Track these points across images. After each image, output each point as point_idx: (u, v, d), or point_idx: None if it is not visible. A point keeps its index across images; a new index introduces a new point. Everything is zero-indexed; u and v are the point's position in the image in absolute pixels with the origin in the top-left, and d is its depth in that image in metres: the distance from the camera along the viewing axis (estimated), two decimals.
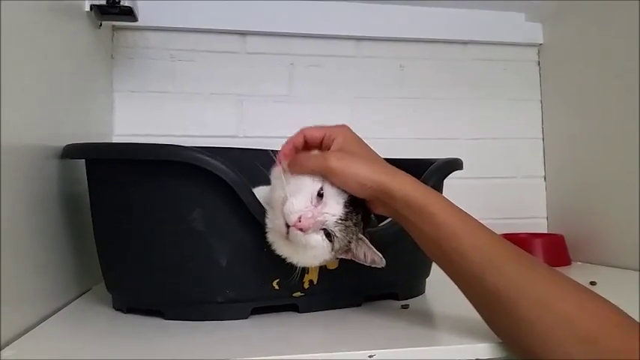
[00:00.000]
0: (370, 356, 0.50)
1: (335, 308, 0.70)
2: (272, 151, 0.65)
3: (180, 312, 0.65)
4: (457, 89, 1.31)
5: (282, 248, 0.62)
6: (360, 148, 0.62)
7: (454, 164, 0.76)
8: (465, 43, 1.32)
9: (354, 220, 0.60)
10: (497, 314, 0.51)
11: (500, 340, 0.53)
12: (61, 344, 0.57)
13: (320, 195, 0.59)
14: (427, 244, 0.57)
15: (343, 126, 0.64)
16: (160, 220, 0.63)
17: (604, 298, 0.49)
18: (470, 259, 0.52)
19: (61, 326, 0.64)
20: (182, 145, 0.61)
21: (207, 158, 0.60)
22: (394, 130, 1.26)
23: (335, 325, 0.64)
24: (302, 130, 0.64)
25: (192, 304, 0.65)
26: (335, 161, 0.58)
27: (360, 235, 0.61)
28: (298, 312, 0.68)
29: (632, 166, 1.02)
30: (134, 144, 0.64)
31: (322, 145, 0.63)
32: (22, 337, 0.57)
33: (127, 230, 0.65)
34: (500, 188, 1.31)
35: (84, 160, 0.71)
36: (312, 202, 0.58)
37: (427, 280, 0.81)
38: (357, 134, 0.64)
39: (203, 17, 1.18)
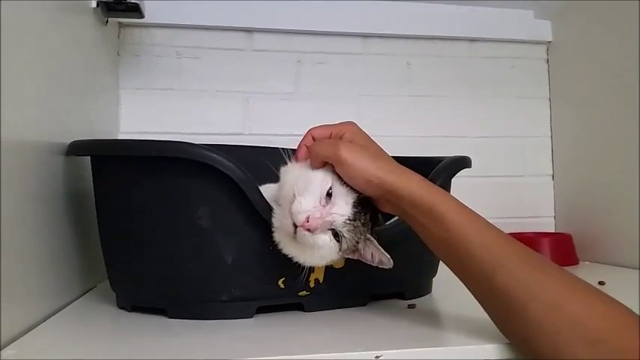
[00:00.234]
0: (377, 357, 0.49)
1: (341, 307, 0.69)
2: (282, 149, 0.64)
3: (184, 311, 0.64)
4: (464, 87, 1.30)
5: (288, 248, 0.61)
6: (368, 145, 0.61)
7: (463, 162, 0.75)
8: (472, 40, 1.31)
9: (362, 220, 0.59)
10: (506, 315, 0.51)
11: (509, 341, 0.52)
12: (64, 343, 0.56)
13: (329, 195, 0.58)
14: (435, 244, 0.56)
15: (350, 122, 0.63)
16: (165, 217, 0.63)
17: (613, 299, 0.48)
18: (479, 259, 0.52)
19: (64, 325, 0.63)
20: (188, 142, 0.61)
21: (214, 155, 0.59)
22: (400, 128, 1.25)
23: (341, 324, 0.63)
24: (309, 131, 0.63)
25: (197, 303, 0.64)
26: (346, 152, 0.57)
27: (368, 236, 0.60)
28: (303, 311, 0.68)
29: None
30: (140, 140, 0.64)
31: None
32: (25, 335, 0.56)
33: (131, 228, 0.65)
34: (507, 187, 1.30)
35: (89, 157, 0.70)
36: (320, 202, 0.58)
37: (434, 279, 0.81)
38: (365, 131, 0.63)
39: (209, 14, 1.17)
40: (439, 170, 0.72)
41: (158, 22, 1.16)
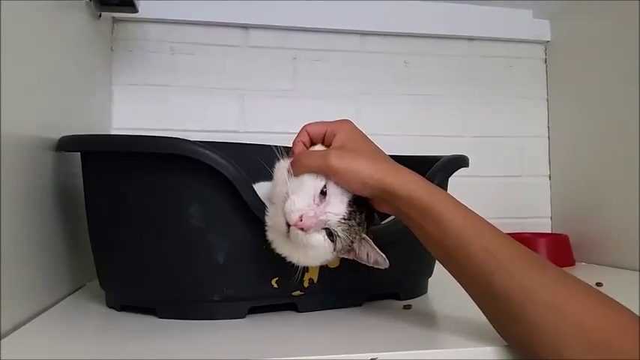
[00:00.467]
0: (373, 359, 0.48)
1: (335, 308, 0.68)
2: (275, 146, 0.63)
3: (175, 310, 0.63)
4: (462, 86, 1.30)
5: (282, 247, 0.60)
6: (362, 145, 0.60)
7: (460, 161, 0.74)
8: (470, 39, 1.31)
9: (357, 220, 0.58)
10: (505, 318, 0.49)
11: (507, 344, 0.51)
12: (50, 343, 0.54)
13: (323, 193, 0.57)
14: (433, 244, 0.55)
15: (346, 121, 0.62)
16: (156, 215, 0.62)
17: (614, 300, 0.47)
18: (478, 261, 0.50)
19: (51, 324, 0.61)
20: (180, 138, 0.60)
21: (207, 152, 0.58)
22: (397, 127, 1.24)
23: (335, 325, 0.62)
24: (304, 127, 0.62)
25: (188, 303, 0.63)
26: (335, 160, 0.56)
27: (364, 235, 0.59)
28: (297, 311, 0.66)
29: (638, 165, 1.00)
30: (131, 136, 0.63)
31: (324, 141, 0.61)
32: (9, 335, 0.55)
33: (121, 225, 0.64)
34: (504, 187, 1.29)
35: (79, 153, 0.69)
36: (314, 201, 0.56)
37: (429, 279, 0.80)
38: (361, 130, 0.62)
39: (204, 10, 1.16)
40: (436, 169, 0.71)
41: (152, 17, 1.14)
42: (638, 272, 0.99)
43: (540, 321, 0.46)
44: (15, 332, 0.56)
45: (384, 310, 0.68)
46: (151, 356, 0.50)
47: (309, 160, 0.58)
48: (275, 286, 0.64)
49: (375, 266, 0.59)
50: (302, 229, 0.55)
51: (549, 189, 1.32)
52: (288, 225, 0.56)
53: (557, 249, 1.11)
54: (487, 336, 0.52)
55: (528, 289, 0.48)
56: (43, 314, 0.64)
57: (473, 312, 0.53)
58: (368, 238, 0.59)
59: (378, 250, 0.58)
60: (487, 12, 1.28)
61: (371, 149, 0.60)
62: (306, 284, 0.65)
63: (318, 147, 0.62)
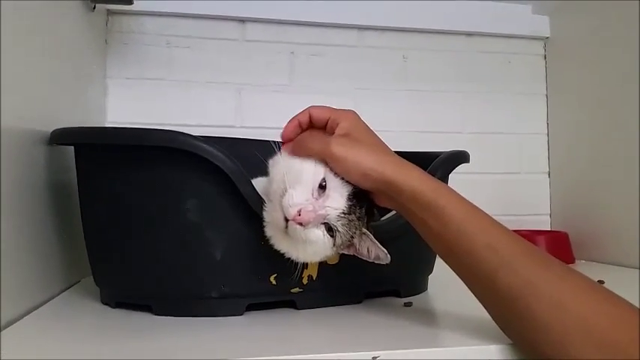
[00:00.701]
0: (374, 357, 0.47)
1: (334, 305, 0.67)
2: (273, 141, 0.62)
3: (171, 307, 0.61)
4: (461, 82, 1.29)
5: (280, 243, 0.58)
6: (366, 136, 0.59)
7: (461, 157, 0.73)
8: (469, 34, 1.30)
9: (357, 214, 0.56)
10: (510, 315, 0.48)
11: (512, 342, 0.50)
12: (44, 340, 0.53)
13: (322, 187, 0.55)
14: (435, 240, 0.54)
15: (351, 111, 0.60)
16: (152, 210, 0.60)
17: (620, 297, 0.46)
18: (482, 257, 0.49)
19: (44, 321, 0.60)
20: (176, 130, 0.58)
21: (204, 145, 0.57)
22: (395, 123, 1.23)
23: (335, 323, 0.61)
24: (309, 109, 0.61)
25: (185, 300, 0.62)
26: (337, 147, 0.55)
27: (364, 230, 0.57)
28: (296, 309, 0.65)
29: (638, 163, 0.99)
30: (126, 128, 0.61)
31: (327, 128, 0.59)
32: (2, 331, 0.54)
33: (116, 220, 0.62)
34: (503, 184, 1.29)
35: (73, 146, 0.67)
36: (313, 195, 0.55)
37: (429, 276, 0.79)
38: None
39: (201, 3, 1.15)
40: (437, 165, 0.70)
41: (148, 10, 1.13)
42: (638, 270, 0.98)
43: (546, 318, 0.45)
44: (8, 329, 0.55)
45: (384, 307, 0.67)
46: (146, 354, 0.48)
47: (311, 143, 0.57)
48: (273, 282, 0.62)
49: (376, 262, 0.58)
50: (300, 223, 0.53)
51: (548, 186, 1.31)
52: (287, 220, 0.54)
53: (556, 246, 1.11)
54: (490, 334, 0.51)
55: (533, 286, 0.47)
56: (37, 311, 0.63)
57: (475, 309, 0.52)
58: (368, 232, 0.58)
59: (379, 244, 0.57)
60: (486, 7, 1.28)
61: (374, 141, 0.59)
62: (305, 281, 0.64)
63: (319, 133, 0.60)
